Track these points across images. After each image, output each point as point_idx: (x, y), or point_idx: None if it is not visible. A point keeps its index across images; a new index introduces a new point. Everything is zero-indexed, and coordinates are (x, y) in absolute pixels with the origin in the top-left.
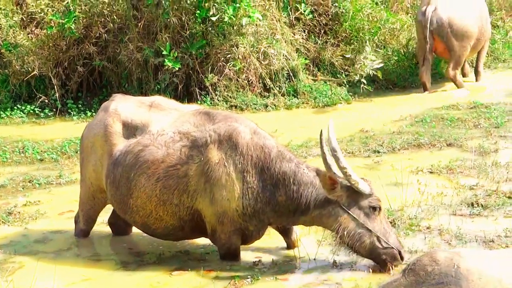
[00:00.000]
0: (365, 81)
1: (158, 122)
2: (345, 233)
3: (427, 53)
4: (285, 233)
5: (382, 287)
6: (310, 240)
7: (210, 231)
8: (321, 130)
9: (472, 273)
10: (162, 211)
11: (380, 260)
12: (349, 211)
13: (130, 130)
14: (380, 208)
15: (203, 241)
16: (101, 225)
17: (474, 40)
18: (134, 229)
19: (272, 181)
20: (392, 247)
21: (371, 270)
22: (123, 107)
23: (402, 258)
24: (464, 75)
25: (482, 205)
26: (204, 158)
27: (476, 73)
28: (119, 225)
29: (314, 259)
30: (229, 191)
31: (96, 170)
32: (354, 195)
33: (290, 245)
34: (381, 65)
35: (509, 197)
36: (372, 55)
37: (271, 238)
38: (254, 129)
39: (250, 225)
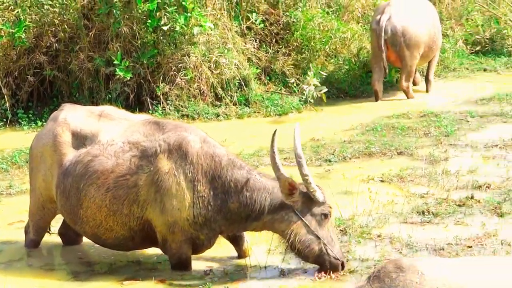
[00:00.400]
0: (312, 101)
1: (107, 132)
2: (296, 238)
3: (381, 62)
4: (236, 242)
5: None
6: (261, 249)
7: (160, 240)
8: (275, 130)
9: (436, 280)
10: (112, 222)
11: (324, 267)
12: (302, 218)
13: (80, 140)
14: (330, 216)
15: (155, 250)
16: (52, 235)
17: (424, 48)
18: (85, 239)
19: (224, 189)
20: (336, 257)
21: (317, 278)
22: (72, 116)
23: (343, 268)
24: (414, 84)
25: (432, 213)
26: (154, 168)
27: (427, 81)
28: (69, 235)
29: (265, 267)
30: (180, 200)
31: (46, 180)
32: (308, 202)
33: (241, 254)
34: (325, 90)
35: (459, 205)
36: (316, 78)
37: (222, 247)
38: (204, 138)
39: (201, 234)
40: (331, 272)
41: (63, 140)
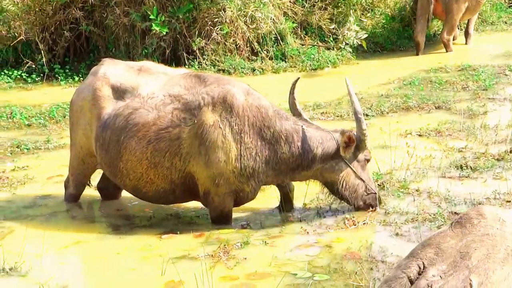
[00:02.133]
0: (350, 50)
1: (147, 85)
2: (346, 185)
3: (426, 14)
4: (281, 186)
5: (429, 238)
6: (297, 203)
7: (202, 193)
8: (298, 77)
9: None
10: (153, 174)
11: (365, 205)
12: (350, 166)
13: (119, 94)
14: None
15: (193, 204)
16: (90, 189)
17: (472, 2)
18: (123, 194)
19: (274, 140)
20: (374, 192)
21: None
22: (112, 71)
23: (380, 201)
24: (453, 38)
25: (471, 168)
26: (197, 120)
27: (467, 35)
28: (108, 190)
29: (300, 220)
30: (225, 152)
31: (86, 134)
32: (355, 150)
33: (286, 196)
34: (365, 35)
35: (497, 159)
36: (357, 24)
37: (258, 201)
38: (247, 90)
39: (246, 186)
40: (372, 206)
41: (103, 94)
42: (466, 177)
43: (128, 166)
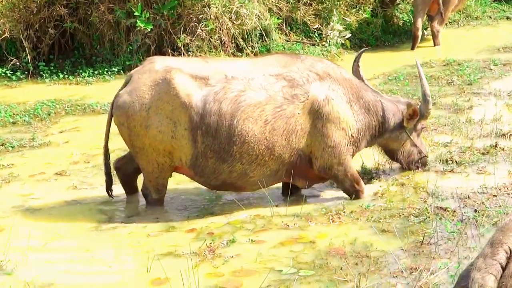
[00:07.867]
0: (335, 48)
1: (232, 68)
2: (404, 152)
3: (426, 8)
4: None
5: (506, 224)
6: (280, 196)
7: (323, 168)
8: (365, 49)
9: None
10: (268, 155)
11: (415, 166)
12: (410, 136)
13: (201, 80)
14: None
15: (184, 201)
16: (74, 186)
17: None
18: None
19: (366, 108)
20: (425, 156)
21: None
22: (174, 62)
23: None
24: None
25: (456, 162)
26: (310, 96)
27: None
28: (126, 171)
29: (286, 214)
30: (343, 121)
31: (162, 130)
32: (416, 123)
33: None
34: (349, 35)
35: (483, 154)
36: (340, 23)
37: (247, 193)
38: (336, 65)
39: (356, 149)
40: (421, 168)
41: (181, 81)
42: (451, 171)
43: (244, 149)
